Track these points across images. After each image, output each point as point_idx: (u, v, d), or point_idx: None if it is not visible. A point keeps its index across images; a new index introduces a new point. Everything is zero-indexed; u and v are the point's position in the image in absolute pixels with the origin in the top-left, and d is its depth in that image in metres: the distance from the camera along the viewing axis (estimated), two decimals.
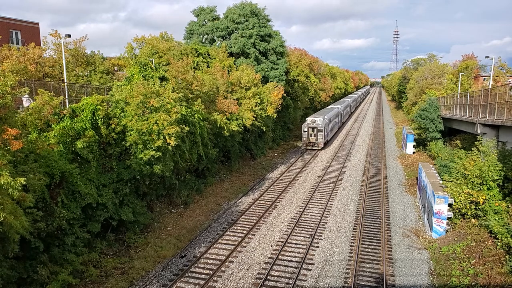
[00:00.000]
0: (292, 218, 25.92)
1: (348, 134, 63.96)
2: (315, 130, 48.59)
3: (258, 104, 39.44)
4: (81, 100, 21.74)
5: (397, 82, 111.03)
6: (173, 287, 17.49)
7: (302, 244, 21.93)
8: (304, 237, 22.96)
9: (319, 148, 48.86)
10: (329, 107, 70.58)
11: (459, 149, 33.35)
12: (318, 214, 26.54)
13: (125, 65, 39.72)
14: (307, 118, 50.45)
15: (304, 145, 49.22)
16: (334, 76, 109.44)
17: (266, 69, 49.22)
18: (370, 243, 22.11)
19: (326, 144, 53.29)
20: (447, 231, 22.31)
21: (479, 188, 21.68)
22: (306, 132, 48.98)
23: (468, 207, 21.73)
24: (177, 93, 24.59)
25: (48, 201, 16.97)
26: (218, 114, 31.71)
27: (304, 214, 26.58)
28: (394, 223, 25.35)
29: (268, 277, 18.34)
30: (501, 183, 21.67)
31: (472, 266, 17.99)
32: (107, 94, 26.04)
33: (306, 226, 24.52)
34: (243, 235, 23.05)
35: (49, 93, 17.19)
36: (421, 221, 25.83)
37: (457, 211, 22.41)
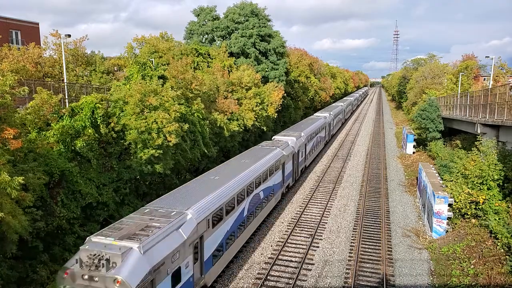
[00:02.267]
0: (292, 218, 25.87)
1: (348, 134, 63.91)
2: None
3: (258, 104, 39.45)
4: (80, 99, 21.76)
5: (397, 82, 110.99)
6: None
7: (302, 244, 21.89)
8: (304, 237, 22.92)
9: None
10: (260, 146, 29.42)
11: (459, 149, 33.33)
12: (318, 214, 26.50)
13: (125, 65, 39.72)
14: (89, 238, 12.08)
15: None
16: (334, 76, 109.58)
17: (266, 69, 49.26)
18: (370, 243, 22.08)
19: None
20: (447, 231, 22.28)
21: (479, 188, 21.65)
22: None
23: (468, 207, 21.70)
24: (175, 91, 24.60)
25: (48, 201, 16.97)
26: (218, 114, 31.69)
27: (304, 214, 26.54)
28: (394, 223, 25.31)
29: (268, 277, 18.31)
30: (501, 183, 21.64)
31: (472, 266, 17.96)
32: (107, 94, 26.04)
33: (306, 226, 24.48)
34: None
35: (48, 92, 17.17)
36: (421, 221, 25.79)
37: (457, 211, 22.38)
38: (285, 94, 50.38)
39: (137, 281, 10.82)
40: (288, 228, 24.16)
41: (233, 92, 37.62)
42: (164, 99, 22.56)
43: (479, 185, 21.71)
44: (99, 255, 10.95)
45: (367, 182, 34.49)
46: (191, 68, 33.96)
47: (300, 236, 23.00)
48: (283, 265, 19.51)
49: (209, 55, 44.28)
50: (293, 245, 21.77)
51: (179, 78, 29.09)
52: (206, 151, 28.05)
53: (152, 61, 30.93)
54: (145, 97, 22.03)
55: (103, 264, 10.72)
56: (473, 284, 16.81)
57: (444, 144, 40.72)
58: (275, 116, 45.18)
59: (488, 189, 21.44)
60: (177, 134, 22.57)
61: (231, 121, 33.99)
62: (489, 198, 21.15)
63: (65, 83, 26.31)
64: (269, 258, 20.31)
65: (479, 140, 24.52)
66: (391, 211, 27.50)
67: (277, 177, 26.39)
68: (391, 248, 21.61)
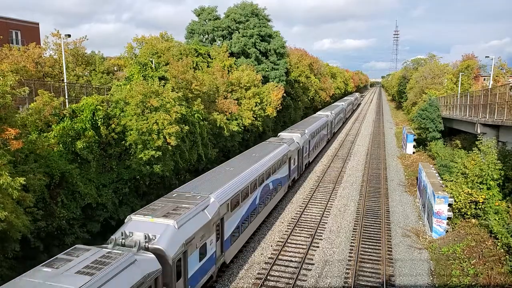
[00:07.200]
0: (292, 218, 25.89)
1: (348, 134, 63.92)
2: None
3: (258, 104, 39.44)
4: (81, 100, 21.76)
5: (397, 82, 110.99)
6: None
7: (302, 244, 21.90)
8: (304, 237, 22.94)
9: None
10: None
11: (459, 149, 33.35)
12: (318, 214, 26.51)
13: (125, 65, 39.71)
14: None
15: None
16: (334, 76, 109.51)
17: (267, 69, 49.27)
18: (370, 243, 22.09)
19: None
20: (447, 231, 22.29)
21: (479, 188, 21.66)
22: None
23: (468, 207, 21.70)
24: (177, 92, 24.59)
25: (48, 201, 16.99)
26: (218, 114, 31.71)
27: (304, 214, 26.56)
28: (394, 223, 25.33)
29: (268, 277, 18.32)
30: (501, 183, 21.65)
31: (472, 266, 17.96)
32: (107, 94, 26.05)
33: (306, 226, 24.50)
34: None
35: (49, 94, 17.19)
36: (421, 221, 25.81)
37: (457, 211, 22.39)
38: (285, 94, 50.36)
39: None
40: (288, 228, 24.17)
41: (232, 92, 37.64)
42: (166, 100, 22.58)
43: (478, 185, 21.72)
44: None
45: (367, 182, 34.50)
46: (191, 68, 33.95)
47: (300, 236, 23.01)
48: (283, 265, 19.53)
49: (209, 55, 44.29)
50: (293, 245, 21.78)
51: (180, 78, 29.10)
52: (203, 152, 28.01)
53: (152, 61, 30.96)
54: (147, 98, 22.05)
55: None
56: (473, 284, 16.82)
57: (444, 144, 40.73)
58: (274, 115, 45.16)
59: (488, 188, 21.44)
60: (177, 135, 22.58)
61: (230, 121, 34.01)
62: (489, 198, 21.15)
63: (65, 83, 26.32)
64: (269, 258, 20.33)
65: (479, 140, 24.52)
66: (391, 211, 27.52)
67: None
68: (391, 248, 21.63)
